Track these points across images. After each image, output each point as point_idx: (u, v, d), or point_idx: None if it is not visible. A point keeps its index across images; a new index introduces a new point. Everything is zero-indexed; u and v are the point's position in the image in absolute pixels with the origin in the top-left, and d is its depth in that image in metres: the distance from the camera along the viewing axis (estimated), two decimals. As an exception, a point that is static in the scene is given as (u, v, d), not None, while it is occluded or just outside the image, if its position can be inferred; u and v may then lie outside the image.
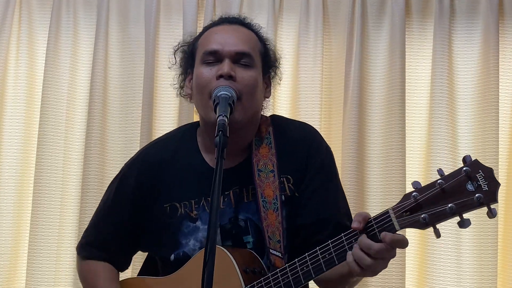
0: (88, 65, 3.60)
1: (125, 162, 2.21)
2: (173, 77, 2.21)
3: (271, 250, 1.94)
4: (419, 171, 3.50)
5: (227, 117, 1.75)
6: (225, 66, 1.98)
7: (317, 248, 1.77)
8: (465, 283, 3.38)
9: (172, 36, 3.59)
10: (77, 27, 3.65)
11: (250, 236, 2.01)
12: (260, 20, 3.40)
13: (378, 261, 1.69)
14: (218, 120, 1.73)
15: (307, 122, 2.24)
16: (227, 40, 2.03)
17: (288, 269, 1.82)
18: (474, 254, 3.40)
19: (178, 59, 2.16)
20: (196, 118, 2.48)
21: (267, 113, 2.19)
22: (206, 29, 2.14)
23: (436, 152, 3.45)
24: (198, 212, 2.01)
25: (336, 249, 1.74)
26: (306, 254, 1.78)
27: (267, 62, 2.11)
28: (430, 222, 1.60)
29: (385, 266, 1.73)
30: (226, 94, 1.85)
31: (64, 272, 3.45)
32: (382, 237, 1.66)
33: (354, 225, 1.69)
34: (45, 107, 3.55)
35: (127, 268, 2.26)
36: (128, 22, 3.61)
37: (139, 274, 2.28)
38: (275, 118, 2.15)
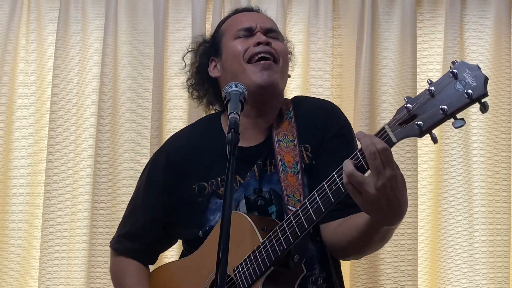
0: (97, 60, 3.58)
1: (151, 153, 2.27)
2: (183, 68, 2.28)
3: (289, 206, 1.95)
4: (431, 161, 3.46)
5: (238, 114, 1.74)
6: (261, 36, 2.06)
7: (324, 182, 1.76)
8: (478, 286, 3.36)
9: (181, 28, 3.58)
10: (86, 21, 3.63)
11: (273, 206, 2.02)
12: (269, 12, 3.24)
13: (374, 179, 1.62)
14: (229, 117, 1.72)
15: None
16: (258, 18, 2.13)
17: (299, 210, 1.81)
18: (487, 257, 3.37)
19: (191, 59, 2.22)
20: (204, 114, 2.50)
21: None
22: (225, 19, 2.22)
23: (448, 143, 3.42)
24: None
25: (342, 178, 1.70)
26: (315, 191, 1.77)
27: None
28: (425, 127, 1.56)
29: (380, 206, 1.64)
30: (237, 90, 1.84)
31: (77, 273, 3.45)
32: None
33: (359, 134, 1.65)
34: (55, 104, 3.53)
35: (155, 261, 2.30)
36: (136, 14, 3.58)
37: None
38: (296, 97, 2.21)
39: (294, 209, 1.87)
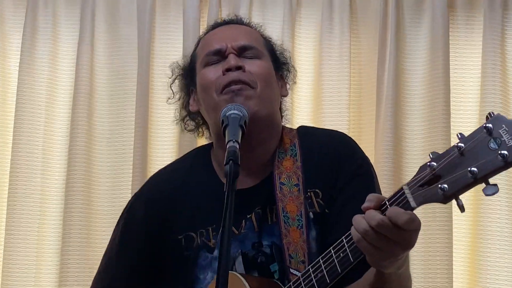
0: (70, 74, 3.42)
1: (133, 187, 2.38)
2: (170, 98, 2.21)
3: (291, 270, 1.89)
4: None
5: (238, 143, 1.67)
6: (231, 59, 1.98)
7: (331, 248, 1.70)
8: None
9: (170, 37, 3.44)
10: (56, 28, 3.46)
11: (275, 264, 1.96)
12: (275, 17, 3.38)
13: (381, 237, 1.56)
14: (228, 146, 1.65)
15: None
16: (228, 36, 2.04)
17: (301, 279, 1.77)
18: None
19: (175, 90, 2.17)
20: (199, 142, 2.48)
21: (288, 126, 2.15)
22: (200, 39, 2.16)
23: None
24: (216, 240, 1.98)
25: (351, 243, 1.64)
26: (320, 257, 1.73)
27: (276, 58, 2.10)
28: (450, 192, 1.49)
29: (396, 252, 1.59)
30: (237, 114, 1.78)
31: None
32: (387, 212, 1.56)
33: (365, 204, 1.59)
34: (19, 128, 3.35)
35: None
36: (118, 20, 3.44)
37: None
38: (302, 129, 2.11)
39: (296, 273, 1.85)
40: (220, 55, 2.01)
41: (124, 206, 2.22)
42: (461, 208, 1.48)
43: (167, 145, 3.35)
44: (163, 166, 2.26)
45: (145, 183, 2.24)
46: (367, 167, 2.02)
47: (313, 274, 1.71)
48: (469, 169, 1.44)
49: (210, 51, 2.03)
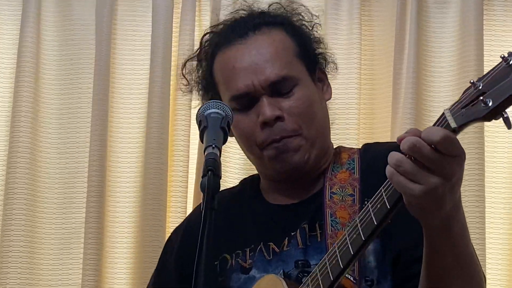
0: (11, 59, 3.20)
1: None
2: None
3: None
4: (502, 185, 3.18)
5: (218, 148, 1.58)
6: (265, 108, 1.92)
7: (368, 202, 1.63)
8: None
9: (136, 18, 3.21)
10: None
11: None
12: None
13: (421, 169, 1.47)
14: (205, 154, 1.57)
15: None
16: (254, 69, 1.95)
17: (336, 247, 1.69)
18: None
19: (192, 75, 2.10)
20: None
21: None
22: (215, 48, 2.04)
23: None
24: (253, 259, 1.95)
25: (389, 188, 1.55)
26: (357, 216, 1.66)
27: (311, 57, 2.03)
28: (494, 104, 1.39)
29: (436, 186, 1.47)
30: (218, 114, 1.69)
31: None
32: (422, 132, 1.51)
33: (401, 135, 1.52)
34: None
35: None
36: None
37: None
38: (365, 145, 2.11)
39: (347, 276, 1.82)
40: (249, 97, 1.94)
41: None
42: (507, 123, 1.42)
43: (132, 152, 3.13)
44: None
45: (190, 213, 2.30)
46: None
47: (348, 235, 1.64)
48: None
49: (235, 95, 1.95)
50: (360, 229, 1.61)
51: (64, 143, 3.16)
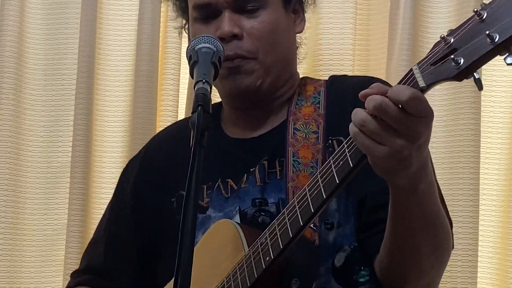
0: None
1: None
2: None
3: None
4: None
5: (209, 83, 1.55)
6: (224, 23, 1.87)
7: (330, 158, 1.56)
8: None
9: None
10: None
11: None
12: None
13: (386, 130, 1.42)
14: (195, 89, 1.54)
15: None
16: None
17: (295, 201, 1.63)
18: None
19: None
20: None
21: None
22: None
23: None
24: (210, 198, 1.90)
25: (352, 145, 1.49)
26: (318, 171, 1.59)
27: None
28: (465, 63, 1.34)
29: (401, 147, 1.43)
30: (208, 48, 1.64)
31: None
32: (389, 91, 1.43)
33: (366, 91, 1.45)
34: None
35: None
36: None
37: None
38: (331, 78, 2.02)
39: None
40: (210, 9, 1.89)
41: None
42: (478, 84, 1.38)
43: (120, 99, 3.02)
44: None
45: (147, 143, 2.19)
46: None
47: (308, 191, 1.59)
48: (487, 32, 1.35)
49: (197, 4, 1.91)
50: (321, 186, 1.57)
51: (50, 97, 3.05)
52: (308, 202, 1.59)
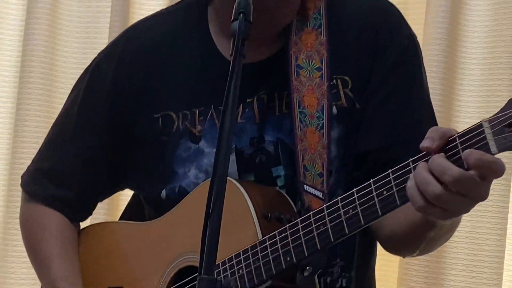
0: None
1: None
2: None
3: (305, 187, 1.72)
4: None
5: None
6: None
7: (371, 181, 1.50)
8: None
9: None
10: None
11: (281, 168, 1.78)
12: None
13: (455, 196, 1.37)
14: None
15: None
16: None
17: (326, 212, 1.57)
18: None
19: None
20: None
21: None
22: None
23: None
24: (203, 126, 1.79)
25: (399, 182, 1.44)
26: (354, 189, 1.53)
27: None
28: None
29: (466, 209, 1.42)
30: None
31: None
32: (465, 157, 1.34)
33: (425, 143, 1.38)
34: None
35: (88, 216, 2.02)
36: None
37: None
38: None
39: (313, 192, 1.71)
40: None
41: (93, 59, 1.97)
42: None
43: None
44: (145, 17, 2.05)
45: (123, 32, 1.99)
46: (414, 51, 1.81)
47: (342, 210, 1.53)
48: None
49: None
50: (360, 215, 1.52)
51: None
52: (344, 226, 1.54)
